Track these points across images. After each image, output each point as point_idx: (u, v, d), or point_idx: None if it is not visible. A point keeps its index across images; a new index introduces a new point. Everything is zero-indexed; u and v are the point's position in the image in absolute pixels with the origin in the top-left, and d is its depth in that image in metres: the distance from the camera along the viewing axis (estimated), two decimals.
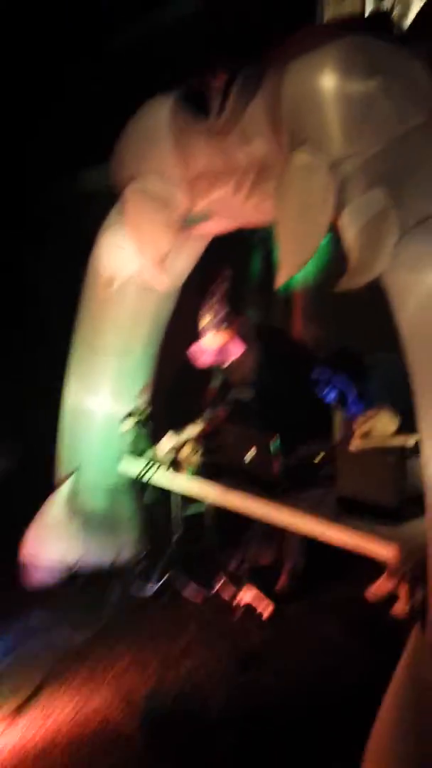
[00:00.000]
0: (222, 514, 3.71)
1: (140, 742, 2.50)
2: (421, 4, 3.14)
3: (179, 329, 3.79)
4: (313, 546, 3.30)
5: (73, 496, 3.74)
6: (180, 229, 3.31)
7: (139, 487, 3.63)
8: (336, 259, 3.79)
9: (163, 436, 3.47)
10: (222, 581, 3.54)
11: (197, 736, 2.45)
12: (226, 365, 3.53)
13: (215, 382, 3.70)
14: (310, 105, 2.54)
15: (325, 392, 3.18)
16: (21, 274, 5.52)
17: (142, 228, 3.34)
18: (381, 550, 2.33)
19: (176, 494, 3.59)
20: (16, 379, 4.79)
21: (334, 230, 2.61)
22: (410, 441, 2.49)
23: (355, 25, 2.56)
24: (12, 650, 3.15)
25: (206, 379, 3.77)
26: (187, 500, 3.66)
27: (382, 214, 2.40)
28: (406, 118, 2.45)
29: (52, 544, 3.68)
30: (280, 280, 2.72)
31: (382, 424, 2.60)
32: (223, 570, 3.62)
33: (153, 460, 3.42)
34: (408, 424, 2.58)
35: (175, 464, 3.27)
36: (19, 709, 2.73)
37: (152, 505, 3.65)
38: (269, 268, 4.84)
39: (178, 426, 3.51)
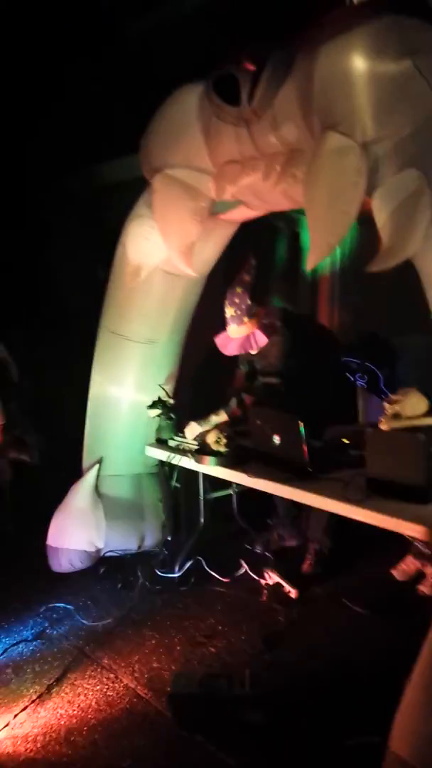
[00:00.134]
0: (247, 498, 3.74)
1: (168, 721, 2.51)
2: None
3: (206, 316, 3.81)
4: (338, 528, 3.33)
5: (99, 483, 3.77)
6: (207, 217, 3.33)
7: (164, 473, 3.65)
8: (361, 244, 3.83)
9: (188, 424, 3.48)
10: (247, 564, 3.55)
11: (225, 715, 2.45)
12: (253, 352, 3.54)
13: (242, 371, 3.72)
14: (342, 87, 2.54)
15: (355, 377, 3.19)
16: (44, 264, 5.57)
17: (170, 217, 3.35)
18: (410, 529, 2.33)
19: (202, 480, 3.61)
20: (42, 369, 4.83)
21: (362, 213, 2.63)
22: None
23: (387, 4, 2.54)
24: (39, 635, 3.17)
25: (232, 367, 3.79)
26: (214, 485, 3.68)
27: (415, 195, 2.41)
28: None
29: (78, 531, 3.70)
30: (311, 263, 2.72)
31: (412, 405, 2.60)
32: (249, 553, 3.63)
33: (179, 447, 3.43)
34: None
35: (202, 450, 3.28)
36: (47, 692, 2.76)
37: (178, 490, 3.66)
38: (295, 254, 4.86)
39: (204, 413, 3.53)
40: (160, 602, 3.39)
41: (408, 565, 3.23)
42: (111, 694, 2.72)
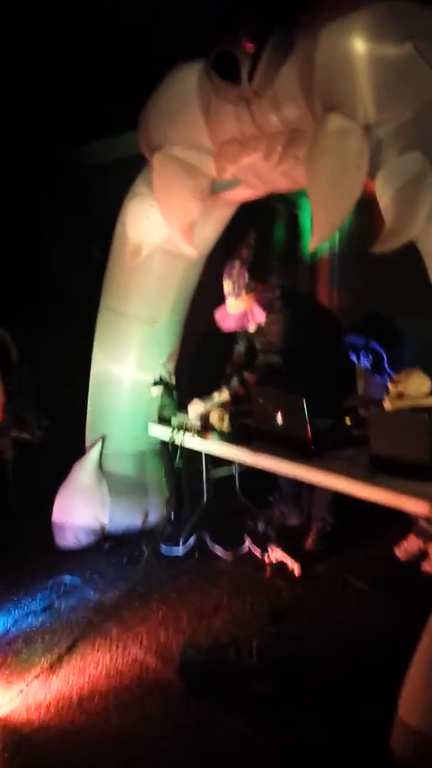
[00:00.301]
0: (250, 477, 3.81)
1: (178, 690, 2.60)
2: None
3: (205, 296, 3.84)
4: (341, 507, 3.41)
5: (102, 461, 3.83)
6: (208, 197, 3.34)
7: (167, 451, 3.71)
8: (360, 227, 3.86)
9: (191, 402, 3.53)
10: (251, 541, 3.64)
11: (233, 684, 2.54)
12: (251, 330, 3.58)
13: (240, 348, 3.76)
14: (344, 70, 2.56)
15: (359, 357, 3.23)
16: (40, 245, 5.55)
17: (170, 196, 3.36)
18: (413, 506, 2.41)
19: (204, 458, 3.68)
20: (42, 349, 4.85)
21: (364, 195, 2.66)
22: None
23: None
24: (46, 608, 3.25)
25: (230, 344, 3.83)
26: (216, 464, 3.75)
27: (418, 177, 2.43)
28: None
29: (82, 507, 3.78)
30: (314, 244, 2.76)
31: (415, 385, 2.67)
32: (251, 531, 3.71)
33: (182, 425, 3.49)
34: None
35: (205, 428, 3.34)
36: (58, 661, 2.84)
37: (181, 468, 3.73)
38: (294, 236, 4.87)
39: (203, 391, 3.58)
40: (166, 577, 3.47)
41: (410, 544, 3.31)
42: (120, 663, 2.80)
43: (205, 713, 2.46)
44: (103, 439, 3.85)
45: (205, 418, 3.39)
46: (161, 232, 3.53)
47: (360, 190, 2.61)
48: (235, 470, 3.87)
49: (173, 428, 3.51)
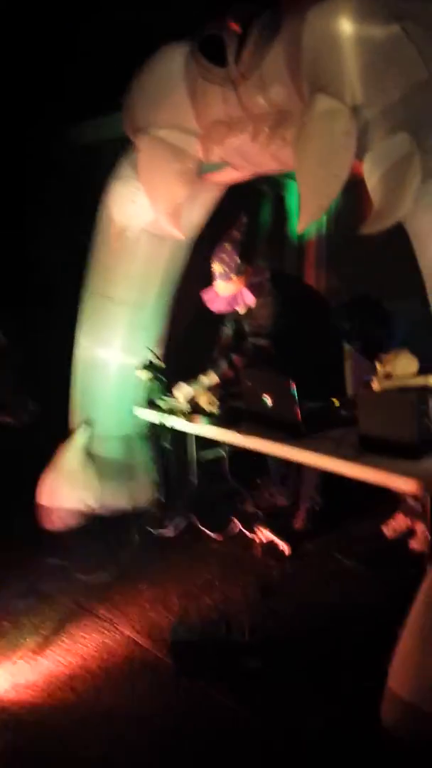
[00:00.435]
0: (238, 458, 3.84)
1: (168, 668, 2.63)
2: None
3: (191, 280, 3.84)
4: (329, 487, 3.45)
5: (88, 443, 3.83)
6: (194, 179, 3.33)
7: (155, 434, 3.71)
8: (347, 209, 3.87)
9: (178, 385, 3.54)
10: (240, 522, 3.67)
11: (223, 660, 2.57)
12: (241, 313, 3.59)
13: (228, 331, 3.77)
14: (331, 51, 2.56)
15: (349, 338, 3.26)
16: (27, 228, 5.49)
17: (155, 178, 3.34)
18: (401, 484, 2.44)
19: (193, 440, 3.69)
20: (29, 330, 4.82)
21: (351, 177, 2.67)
22: (431, 381, 2.60)
23: None
24: (34, 590, 3.25)
25: (216, 327, 3.84)
26: (205, 446, 3.77)
27: (406, 158, 2.45)
28: (429, 63, 2.47)
29: (69, 490, 3.77)
30: (302, 225, 2.76)
31: (403, 366, 2.70)
32: (240, 512, 3.75)
33: (170, 408, 3.50)
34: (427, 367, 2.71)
35: (194, 411, 3.35)
36: (46, 642, 2.85)
37: (169, 451, 3.74)
38: (281, 218, 4.88)
39: (190, 374, 3.58)
40: (155, 558, 3.50)
41: (398, 523, 3.36)
42: (110, 643, 2.83)
43: (196, 690, 2.49)
44: (89, 422, 3.85)
45: (193, 401, 3.40)
46: (147, 215, 3.51)
47: (348, 171, 2.62)
48: (223, 452, 3.88)
49: (161, 411, 3.52)
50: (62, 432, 3.93)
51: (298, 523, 3.59)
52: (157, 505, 3.83)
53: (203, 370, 3.60)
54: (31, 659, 2.75)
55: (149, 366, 3.66)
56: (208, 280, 3.56)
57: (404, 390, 2.61)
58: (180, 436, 3.61)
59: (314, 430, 2.84)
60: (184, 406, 3.44)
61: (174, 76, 3.14)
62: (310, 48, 2.61)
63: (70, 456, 3.80)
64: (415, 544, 3.19)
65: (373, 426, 2.56)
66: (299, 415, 2.79)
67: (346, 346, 3.31)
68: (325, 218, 4.58)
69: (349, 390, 3.42)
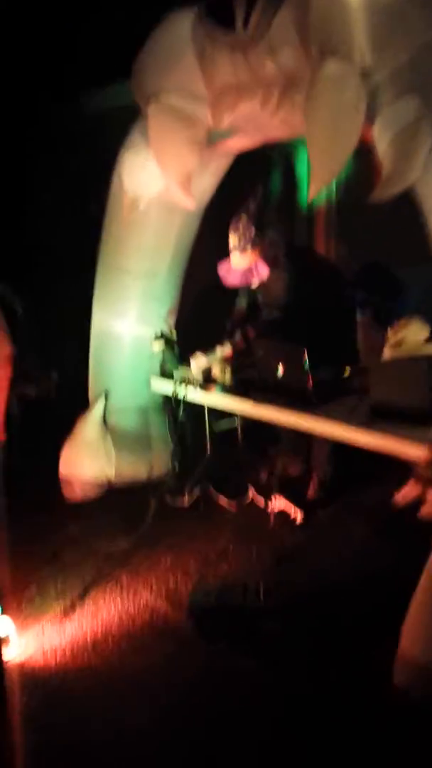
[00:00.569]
0: (252, 429, 3.87)
1: (189, 631, 2.71)
2: None
3: (207, 249, 3.82)
4: (341, 455, 3.48)
5: (106, 415, 3.88)
6: (204, 147, 3.30)
7: (170, 405, 3.75)
8: (356, 176, 3.82)
9: (194, 356, 3.57)
10: (253, 492, 3.72)
11: (241, 624, 2.65)
12: (254, 285, 3.58)
13: (241, 303, 3.77)
14: (339, 14, 2.51)
15: (360, 307, 3.24)
16: (42, 199, 5.49)
17: (166, 146, 3.32)
18: (413, 451, 2.46)
19: (207, 411, 3.73)
20: (47, 304, 4.85)
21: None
22: None
23: None
24: (57, 558, 3.34)
25: (230, 299, 3.84)
26: (219, 417, 3.80)
27: (415, 123, 2.42)
28: None
29: (89, 461, 3.84)
30: (313, 190, 2.74)
31: (413, 333, 2.70)
32: (254, 481, 3.79)
33: (185, 379, 3.53)
34: None
35: (208, 382, 3.38)
36: (70, 609, 2.94)
37: (184, 421, 3.78)
38: (290, 187, 4.82)
39: (204, 345, 3.60)
40: (171, 527, 3.56)
41: (410, 490, 3.39)
42: (132, 608, 2.91)
43: (216, 653, 2.57)
44: (107, 394, 3.89)
45: (207, 372, 3.43)
46: (158, 183, 3.49)
47: (358, 135, 2.59)
48: (237, 422, 3.92)
49: (176, 382, 3.55)
50: (83, 403, 3.99)
51: (311, 491, 3.63)
52: (173, 475, 3.88)
53: (218, 341, 3.61)
54: (56, 624, 2.84)
55: (162, 337, 3.68)
56: (221, 251, 3.54)
57: (415, 358, 2.61)
58: (194, 407, 3.64)
59: (326, 399, 2.86)
60: (198, 376, 3.46)
61: (182, 41, 3.10)
62: (319, 11, 2.57)
63: (89, 427, 3.86)
64: (426, 510, 3.22)
65: (384, 394, 2.57)
66: (311, 384, 2.81)
67: (358, 315, 3.29)
68: (334, 186, 4.52)
69: (361, 359, 3.42)
